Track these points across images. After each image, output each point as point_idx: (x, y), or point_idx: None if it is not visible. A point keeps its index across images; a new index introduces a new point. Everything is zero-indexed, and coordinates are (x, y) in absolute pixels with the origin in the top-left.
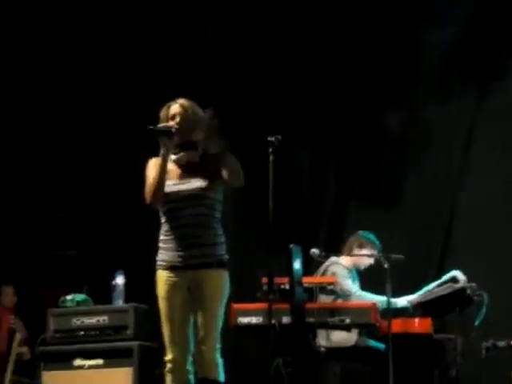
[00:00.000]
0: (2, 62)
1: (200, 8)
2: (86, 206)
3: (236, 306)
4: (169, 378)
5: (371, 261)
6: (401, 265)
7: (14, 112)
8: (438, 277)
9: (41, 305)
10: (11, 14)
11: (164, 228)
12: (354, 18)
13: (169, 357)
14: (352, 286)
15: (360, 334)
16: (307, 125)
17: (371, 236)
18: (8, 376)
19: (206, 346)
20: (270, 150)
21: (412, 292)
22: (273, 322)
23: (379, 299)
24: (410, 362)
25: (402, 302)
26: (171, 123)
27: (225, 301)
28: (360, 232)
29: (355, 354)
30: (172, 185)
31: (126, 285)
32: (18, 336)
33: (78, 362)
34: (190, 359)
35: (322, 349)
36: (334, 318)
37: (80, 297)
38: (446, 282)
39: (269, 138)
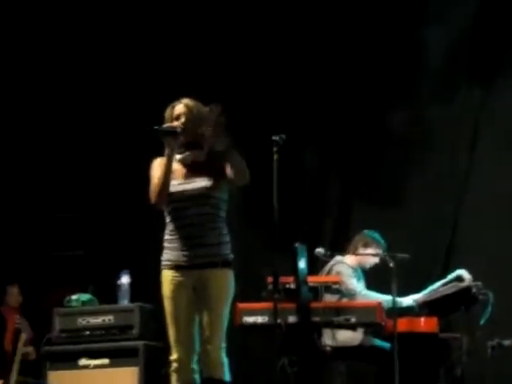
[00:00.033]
0: (10, 63)
1: (204, 7)
2: (91, 206)
3: (241, 305)
4: (174, 378)
5: (376, 260)
6: (406, 264)
7: (25, 114)
8: (444, 276)
9: (46, 305)
10: (15, 14)
11: (169, 228)
12: (359, 17)
13: (174, 356)
14: (357, 285)
15: (365, 333)
16: (312, 124)
17: (376, 235)
18: (14, 376)
19: (211, 346)
20: (275, 149)
21: (417, 291)
22: (278, 321)
23: (384, 298)
24: (416, 361)
25: (408, 301)
26: (176, 123)
27: (230, 300)
28: (365, 231)
29: (361, 354)
30: (177, 184)
31: (132, 284)
32: (24, 336)
33: (83, 361)
34: (196, 358)
35: (328, 348)
36: (339, 317)
37: (85, 296)
38: (451, 281)
39: (273, 138)
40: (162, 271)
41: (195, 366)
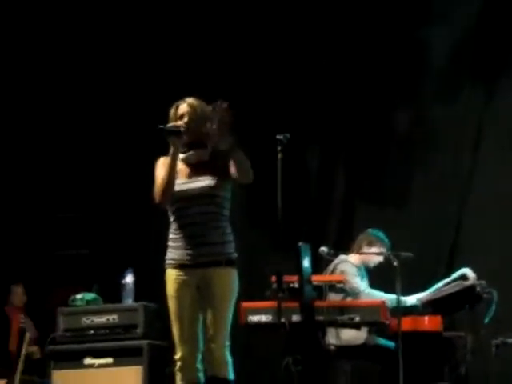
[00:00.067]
0: (13, 62)
1: (209, 7)
2: (95, 206)
3: (246, 304)
4: (178, 377)
5: (380, 259)
6: (410, 263)
7: (31, 115)
8: (448, 275)
9: (51, 304)
10: (19, 14)
11: (173, 227)
12: (362, 17)
13: (178, 355)
14: (361, 284)
15: (369, 332)
16: (316, 124)
17: (380, 234)
18: (18, 375)
19: (215, 344)
20: (279, 148)
21: (421, 290)
22: (282, 320)
23: (389, 297)
24: (420, 359)
25: (412, 300)
26: (180, 123)
27: (234, 299)
28: (369, 230)
29: (365, 352)
30: (181, 184)
31: (136, 284)
32: (28, 335)
33: (87, 360)
34: (200, 357)
35: (332, 347)
36: (343, 316)
37: (90, 296)
38: (455, 280)
39: (277, 137)
40: (166, 270)
41: (199, 365)
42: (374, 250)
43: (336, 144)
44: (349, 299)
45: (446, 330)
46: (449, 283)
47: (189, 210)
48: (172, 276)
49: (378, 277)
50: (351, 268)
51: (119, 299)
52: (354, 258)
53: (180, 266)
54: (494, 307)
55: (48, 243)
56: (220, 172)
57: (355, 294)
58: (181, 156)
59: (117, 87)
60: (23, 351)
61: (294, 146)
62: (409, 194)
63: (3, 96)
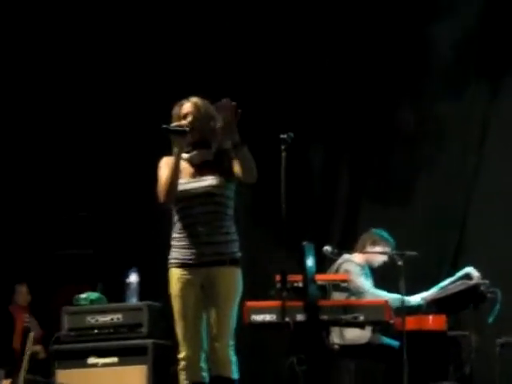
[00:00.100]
0: (19, 62)
1: (212, 6)
2: (99, 205)
3: (250, 303)
4: (182, 376)
5: (384, 258)
6: (414, 262)
7: (35, 115)
8: (452, 274)
9: (55, 303)
10: (23, 14)
11: (177, 226)
12: (367, 15)
13: (182, 354)
14: (365, 283)
15: (374, 331)
16: (320, 123)
17: (384, 233)
18: (22, 374)
19: (219, 344)
20: (283, 147)
21: (426, 289)
22: (286, 319)
23: (393, 297)
24: (424, 359)
25: (416, 299)
26: (184, 122)
27: (238, 298)
28: (373, 229)
29: (369, 352)
30: (184, 183)
31: (140, 283)
32: (32, 334)
33: (92, 360)
34: (204, 357)
35: (336, 346)
36: (347, 315)
37: (94, 295)
38: (459, 279)
39: (281, 136)
40: (169, 269)
41: (203, 364)
42: (378, 249)
43: (340, 143)
44: (353, 298)
45: (450, 330)
46: (453, 282)
47: (193, 209)
48: (176, 275)
49: (382, 276)
50: (355, 267)
51: (123, 298)
52: (357, 257)
53: (184, 265)
54: (498, 307)
55: (53, 242)
56: (224, 172)
57: (359, 293)
58: (184, 156)
59: (121, 88)
60: (27, 350)
61: (298, 144)
62: (413, 192)
63: (7, 96)
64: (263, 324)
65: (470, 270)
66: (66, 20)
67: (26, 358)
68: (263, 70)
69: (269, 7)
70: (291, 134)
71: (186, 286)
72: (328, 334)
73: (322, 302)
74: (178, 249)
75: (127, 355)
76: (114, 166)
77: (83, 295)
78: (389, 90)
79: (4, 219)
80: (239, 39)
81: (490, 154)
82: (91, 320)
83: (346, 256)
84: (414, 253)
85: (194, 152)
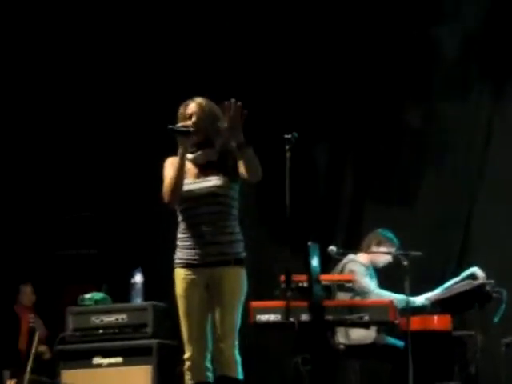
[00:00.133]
0: (29, 64)
1: (216, 6)
2: (104, 205)
3: (254, 303)
4: (187, 376)
5: (389, 258)
6: (419, 262)
7: (40, 116)
8: (457, 274)
9: (60, 303)
10: (26, 15)
11: (181, 226)
12: (373, 15)
13: (187, 354)
14: (370, 283)
15: (378, 331)
16: (325, 123)
17: (390, 234)
18: (27, 375)
19: (224, 344)
20: (287, 147)
21: (430, 289)
22: (291, 319)
23: (398, 297)
24: (430, 359)
25: (421, 299)
26: (188, 122)
27: (243, 298)
28: (379, 230)
29: (374, 352)
30: (189, 184)
31: (145, 283)
32: (38, 335)
33: (97, 360)
34: (209, 357)
35: (341, 346)
36: (352, 315)
37: (99, 295)
38: (464, 279)
39: (285, 136)
40: (174, 269)
41: (208, 365)
42: (383, 249)
43: (345, 143)
44: (357, 299)
45: (455, 330)
46: (458, 282)
47: (197, 209)
48: (181, 275)
49: (386, 276)
50: (360, 267)
51: (128, 299)
52: (362, 257)
53: (188, 265)
54: (503, 306)
55: (57, 242)
56: (228, 172)
57: (364, 293)
58: (189, 156)
59: (125, 88)
60: (33, 351)
61: (303, 144)
62: (418, 193)
63: (11, 95)
64: (268, 324)
65: (475, 269)
66: (70, 21)
67: (31, 358)
68: (268, 70)
69: (274, 7)
70: (295, 134)
71: (190, 286)
72: (333, 334)
73: (327, 302)
74: (183, 249)
75: (132, 355)
76: (117, 166)
77: (88, 295)
78: (394, 90)
79: (8, 219)
80: (244, 39)
81: (495, 154)
82: (96, 320)
83: (350, 256)
84: (418, 253)
85: (199, 152)
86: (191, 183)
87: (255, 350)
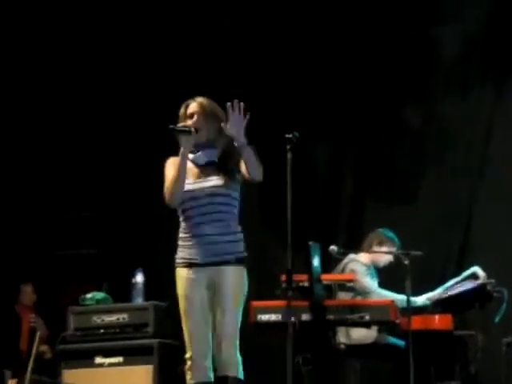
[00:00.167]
0: (29, 64)
1: (217, 7)
2: (105, 205)
3: (255, 303)
4: (188, 376)
5: (390, 258)
6: (420, 262)
7: (41, 116)
8: (458, 274)
9: (61, 303)
10: (26, 15)
11: (182, 226)
12: (373, 15)
13: (188, 354)
14: (371, 283)
15: (379, 331)
16: (325, 122)
17: (391, 233)
18: (28, 375)
19: (224, 343)
20: (288, 146)
21: (431, 289)
22: (292, 319)
23: (398, 297)
24: (431, 358)
25: (422, 299)
26: (189, 122)
27: (243, 298)
28: (380, 229)
29: (375, 351)
30: (190, 184)
31: (146, 283)
32: (39, 334)
33: (98, 359)
34: (210, 356)
35: (342, 346)
36: (353, 315)
37: (100, 295)
38: (465, 279)
39: (286, 136)
40: (176, 269)
41: (209, 364)
42: (384, 249)
43: (346, 142)
44: (358, 298)
45: (456, 329)
46: (459, 282)
47: (198, 209)
48: (182, 275)
49: (387, 276)
50: (361, 267)
51: (129, 298)
52: (363, 257)
53: (190, 265)
54: (504, 306)
55: (58, 242)
56: (229, 172)
57: (365, 293)
58: (190, 156)
59: (126, 88)
60: (34, 350)
61: (303, 144)
62: (419, 192)
63: (11, 95)
64: (269, 324)
65: (475, 269)
66: (71, 21)
67: (32, 358)
68: (268, 70)
69: (274, 6)
70: (296, 134)
71: (191, 285)
72: (334, 333)
73: (328, 302)
74: (184, 248)
75: (133, 355)
76: (117, 166)
77: (89, 295)
78: (394, 90)
79: (8, 219)
80: (244, 39)
81: (495, 153)
82: (97, 320)
83: (351, 256)
84: (419, 252)
85: (199, 152)
86: (192, 183)
87: (256, 349)
